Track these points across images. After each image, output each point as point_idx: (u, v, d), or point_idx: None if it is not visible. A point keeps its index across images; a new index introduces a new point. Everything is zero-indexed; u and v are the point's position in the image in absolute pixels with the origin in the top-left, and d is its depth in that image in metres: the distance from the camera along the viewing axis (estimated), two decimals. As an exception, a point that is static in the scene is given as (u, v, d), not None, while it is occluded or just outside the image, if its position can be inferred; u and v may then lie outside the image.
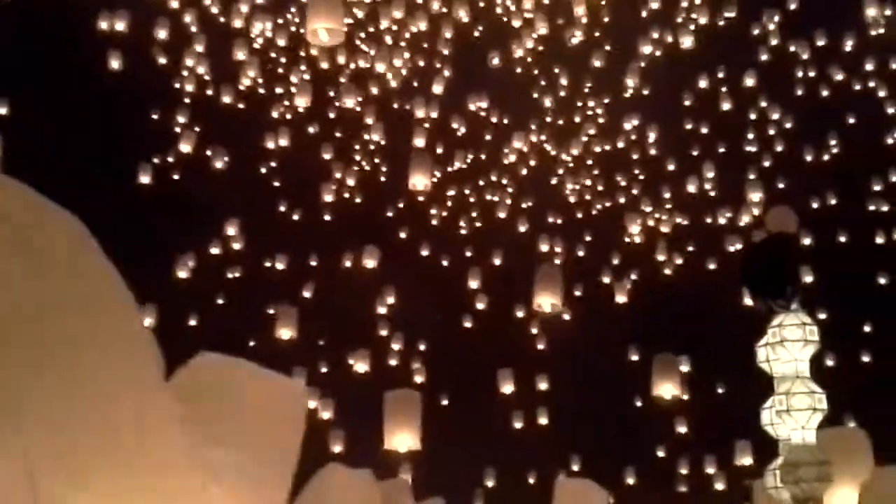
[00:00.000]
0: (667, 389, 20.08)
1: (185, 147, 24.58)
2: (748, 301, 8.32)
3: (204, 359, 4.68)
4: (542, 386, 23.79)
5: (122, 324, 3.55)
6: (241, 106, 25.54)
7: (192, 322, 23.36)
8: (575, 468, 21.56)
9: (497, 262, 24.96)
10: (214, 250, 24.22)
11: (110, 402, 3.40)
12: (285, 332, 22.25)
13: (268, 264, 24.59)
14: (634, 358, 23.56)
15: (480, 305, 24.39)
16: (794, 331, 7.32)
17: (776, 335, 7.33)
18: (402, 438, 17.18)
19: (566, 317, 23.90)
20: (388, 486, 9.00)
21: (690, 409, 22.49)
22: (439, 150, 25.78)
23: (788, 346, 7.31)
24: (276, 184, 25.77)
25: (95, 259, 3.60)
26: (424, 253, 25.22)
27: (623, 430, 21.87)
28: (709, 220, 25.37)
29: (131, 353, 3.55)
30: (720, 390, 22.86)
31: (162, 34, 24.72)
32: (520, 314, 24.29)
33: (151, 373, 3.65)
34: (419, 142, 24.25)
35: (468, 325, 24.28)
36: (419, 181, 22.52)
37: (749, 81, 26.12)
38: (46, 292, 3.31)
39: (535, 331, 24.46)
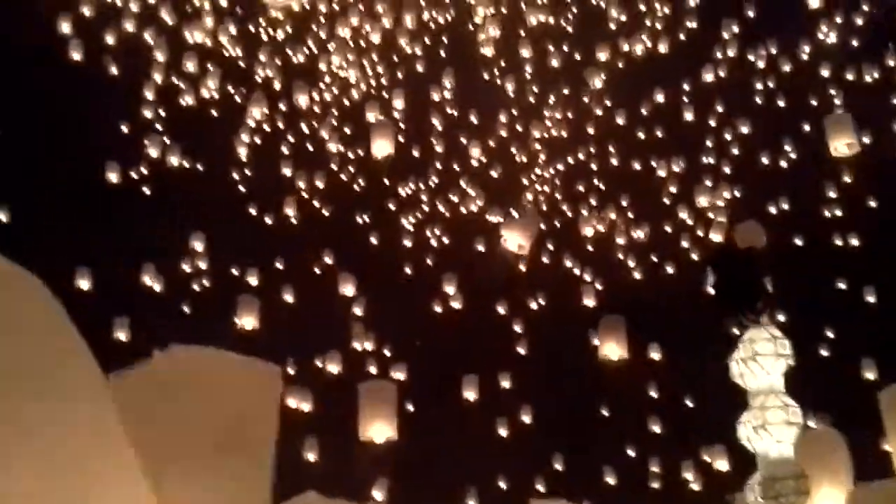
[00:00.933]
0: (612, 349, 20.22)
1: (154, 151, 24.40)
2: (710, 290, 8.32)
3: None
4: (507, 386, 23.73)
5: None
6: (214, 113, 25.48)
7: (159, 329, 23.14)
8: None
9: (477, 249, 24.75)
10: (185, 266, 23.96)
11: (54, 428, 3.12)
12: (248, 322, 21.38)
13: (235, 272, 24.42)
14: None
15: (456, 305, 24.38)
16: (766, 345, 7.35)
17: (748, 350, 7.34)
18: (379, 429, 16.68)
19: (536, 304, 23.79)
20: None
21: (664, 411, 22.81)
22: (415, 154, 25.89)
23: (761, 360, 7.33)
24: (242, 189, 25.67)
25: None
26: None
27: (596, 435, 22.04)
28: (669, 229, 25.71)
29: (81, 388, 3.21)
30: (689, 400, 23.20)
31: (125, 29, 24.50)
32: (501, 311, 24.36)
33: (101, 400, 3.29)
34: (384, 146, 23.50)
35: (440, 331, 24.34)
36: (381, 148, 21.57)
37: (707, 88, 26.64)
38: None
39: (518, 328, 24.54)
